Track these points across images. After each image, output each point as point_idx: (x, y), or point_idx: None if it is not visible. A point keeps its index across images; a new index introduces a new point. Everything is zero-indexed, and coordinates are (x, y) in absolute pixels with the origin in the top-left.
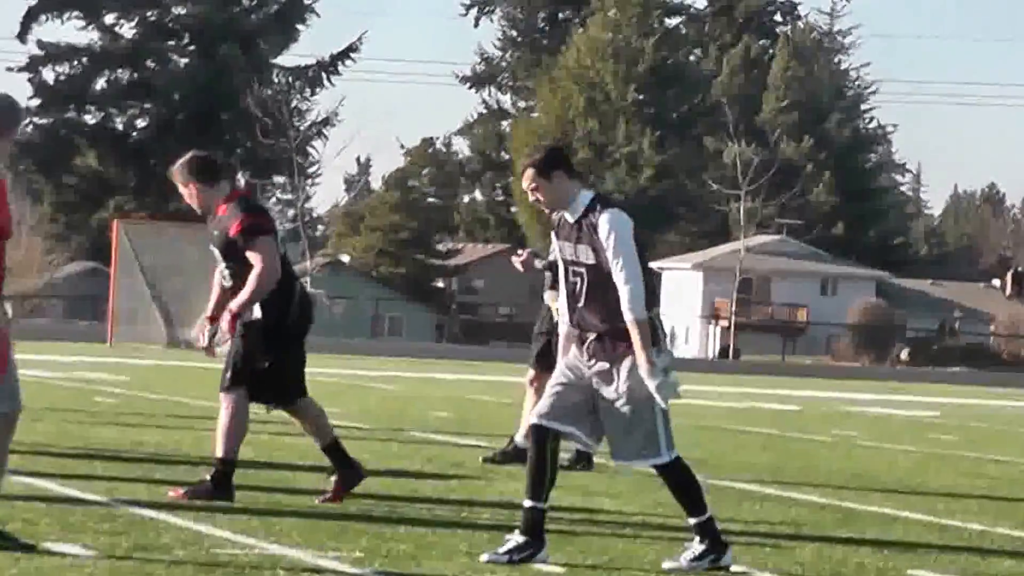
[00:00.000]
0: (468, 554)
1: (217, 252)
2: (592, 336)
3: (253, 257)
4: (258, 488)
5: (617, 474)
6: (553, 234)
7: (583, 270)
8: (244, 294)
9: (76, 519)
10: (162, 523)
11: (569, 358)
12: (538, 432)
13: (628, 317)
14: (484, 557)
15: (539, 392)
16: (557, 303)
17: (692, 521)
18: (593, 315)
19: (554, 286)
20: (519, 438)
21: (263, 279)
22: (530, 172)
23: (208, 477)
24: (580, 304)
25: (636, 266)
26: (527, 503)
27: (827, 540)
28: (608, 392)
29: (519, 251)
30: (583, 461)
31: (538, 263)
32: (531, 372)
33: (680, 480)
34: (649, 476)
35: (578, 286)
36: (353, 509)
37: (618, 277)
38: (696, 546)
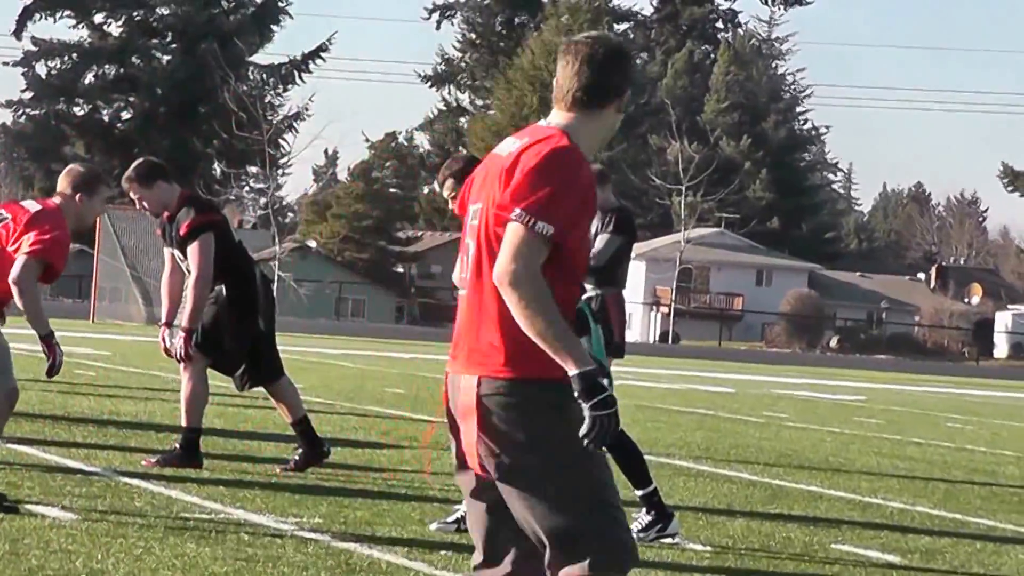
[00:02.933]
0: (420, 522)
1: (177, 252)
2: None
3: (191, 256)
4: (225, 457)
5: None
6: None
7: None
8: (188, 307)
9: (56, 483)
10: (136, 488)
11: None
12: None
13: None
14: (434, 526)
15: None
16: None
17: (639, 493)
18: None
19: None
20: None
21: (200, 285)
22: (450, 182)
23: (177, 445)
24: None
25: None
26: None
27: (756, 515)
28: None
29: None
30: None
31: None
32: None
33: (624, 454)
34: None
35: None
36: (312, 478)
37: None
38: (643, 517)
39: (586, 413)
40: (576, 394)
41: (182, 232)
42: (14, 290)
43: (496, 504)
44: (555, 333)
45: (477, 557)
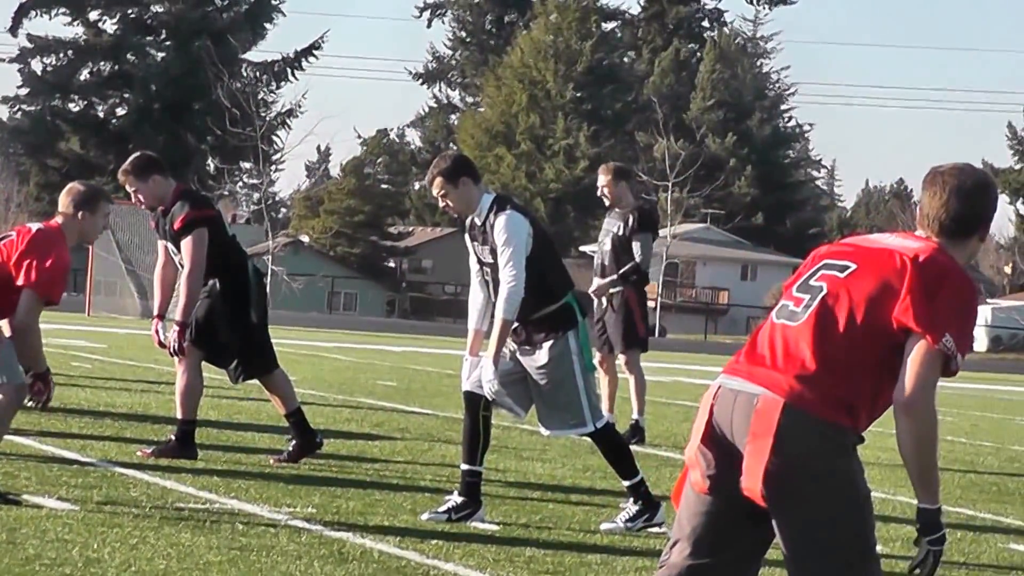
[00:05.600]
0: (411, 512)
1: (171, 245)
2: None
3: (185, 250)
4: (219, 448)
5: (549, 440)
6: (467, 236)
7: (489, 269)
8: (181, 301)
9: (52, 473)
10: (131, 479)
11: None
12: (471, 399)
13: (497, 314)
14: (425, 516)
15: (609, 371)
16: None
17: (625, 484)
18: None
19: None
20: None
21: (192, 278)
22: (439, 180)
23: (173, 437)
24: (494, 300)
25: (520, 268)
26: (464, 466)
27: None
28: (532, 370)
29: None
30: (637, 436)
31: (608, 280)
32: (598, 355)
33: (611, 446)
34: (578, 442)
35: (489, 285)
36: (305, 469)
37: (502, 275)
38: (631, 507)
39: (924, 546)
40: (919, 527)
41: (176, 226)
42: (18, 331)
43: (733, 524)
44: (932, 464)
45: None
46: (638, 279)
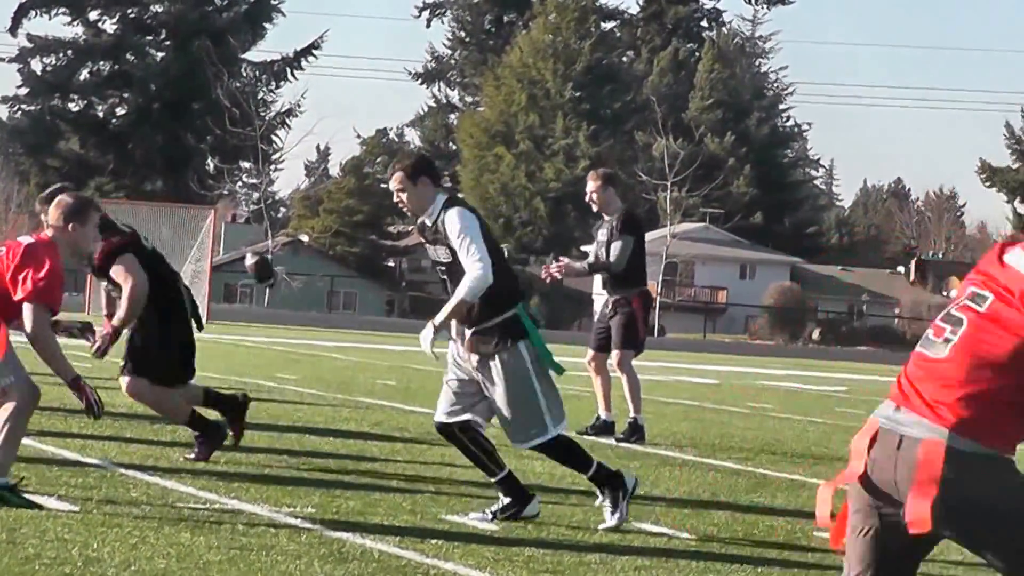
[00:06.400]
0: (411, 511)
1: (107, 284)
2: (467, 331)
3: (118, 275)
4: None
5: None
6: (419, 234)
7: (444, 268)
8: (122, 311)
9: (52, 474)
10: (131, 479)
11: (453, 353)
12: (444, 430)
13: (458, 291)
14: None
15: (600, 371)
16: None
17: (589, 476)
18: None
19: (604, 285)
20: (602, 413)
21: (134, 292)
22: (399, 175)
23: (195, 438)
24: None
25: (484, 253)
26: (492, 480)
27: (741, 503)
28: (488, 382)
29: (554, 260)
30: (636, 434)
31: (579, 265)
32: (589, 354)
33: (560, 451)
34: (578, 440)
35: (447, 284)
36: (305, 469)
37: (466, 264)
38: (606, 498)
39: None
40: None
41: (98, 261)
42: (33, 344)
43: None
44: None
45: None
46: (622, 283)
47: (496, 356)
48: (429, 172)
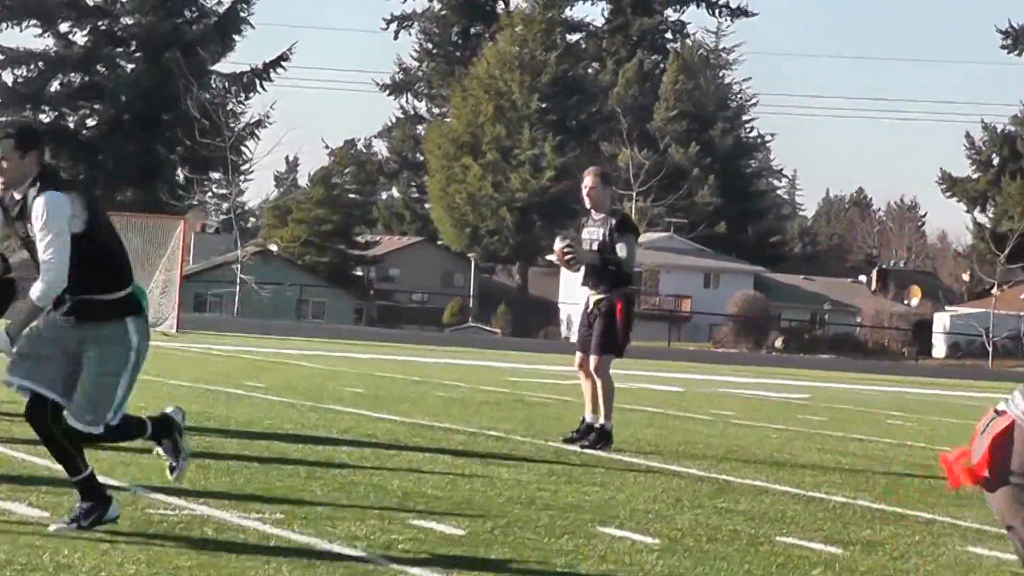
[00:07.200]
0: (379, 517)
1: None
2: (67, 304)
3: None
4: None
5: (515, 445)
6: None
7: (27, 247)
8: None
9: (23, 480)
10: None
11: (54, 318)
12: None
13: (32, 293)
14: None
15: (589, 375)
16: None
17: (75, 480)
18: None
19: (585, 279)
20: (588, 415)
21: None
22: (8, 142)
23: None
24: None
25: (62, 255)
26: (75, 479)
27: (704, 509)
28: (83, 356)
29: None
30: (603, 440)
31: (590, 253)
32: (578, 357)
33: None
34: (543, 447)
35: (36, 263)
36: (274, 475)
37: (42, 261)
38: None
39: None
40: None
41: None
42: None
43: None
44: None
45: None
46: (627, 289)
47: (102, 330)
48: (39, 146)
